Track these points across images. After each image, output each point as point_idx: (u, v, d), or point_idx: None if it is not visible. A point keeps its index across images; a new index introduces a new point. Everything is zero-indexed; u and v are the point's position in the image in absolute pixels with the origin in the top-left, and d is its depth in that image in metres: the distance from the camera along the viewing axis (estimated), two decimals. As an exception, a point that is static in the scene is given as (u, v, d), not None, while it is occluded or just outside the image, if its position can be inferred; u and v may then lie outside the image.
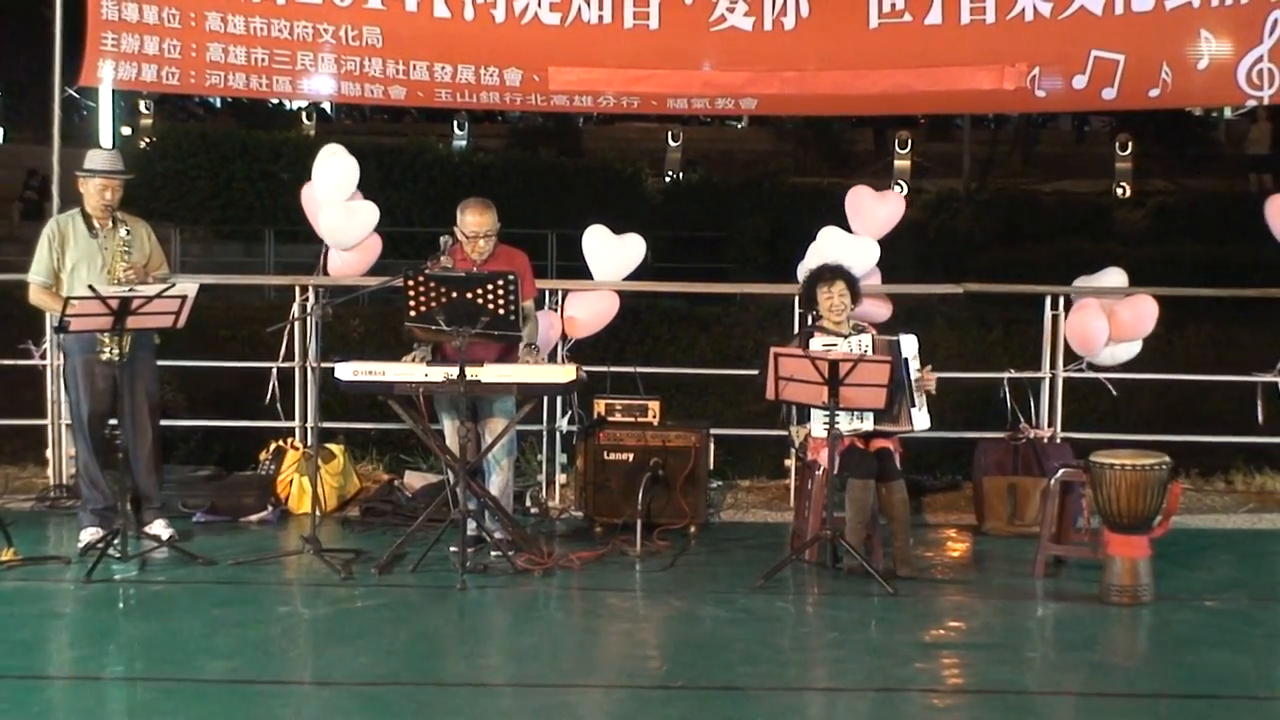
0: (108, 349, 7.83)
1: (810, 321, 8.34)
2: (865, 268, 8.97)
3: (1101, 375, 9.45)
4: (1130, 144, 25.94)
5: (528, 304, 8.18)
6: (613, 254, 9.43)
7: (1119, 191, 25.73)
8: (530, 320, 8.24)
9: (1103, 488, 7.23)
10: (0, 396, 10.41)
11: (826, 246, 9.12)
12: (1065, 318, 9.40)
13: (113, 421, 8.18)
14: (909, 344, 7.78)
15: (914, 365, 7.75)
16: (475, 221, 7.99)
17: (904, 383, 7.66)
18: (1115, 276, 9.56)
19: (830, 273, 8.15)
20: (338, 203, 9.26)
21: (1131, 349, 9.39)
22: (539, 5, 9.53)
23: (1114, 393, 9.50)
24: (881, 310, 9.22)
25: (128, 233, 8.05)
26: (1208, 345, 11.31)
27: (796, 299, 8.87)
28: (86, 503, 8.23)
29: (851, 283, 8.12)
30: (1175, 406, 10.54)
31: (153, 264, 8.23)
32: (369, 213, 9.36)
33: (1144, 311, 9.24)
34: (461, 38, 9.60)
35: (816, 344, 7.76)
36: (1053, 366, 9.49)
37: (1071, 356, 9.45)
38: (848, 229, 9.33)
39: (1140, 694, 6.09)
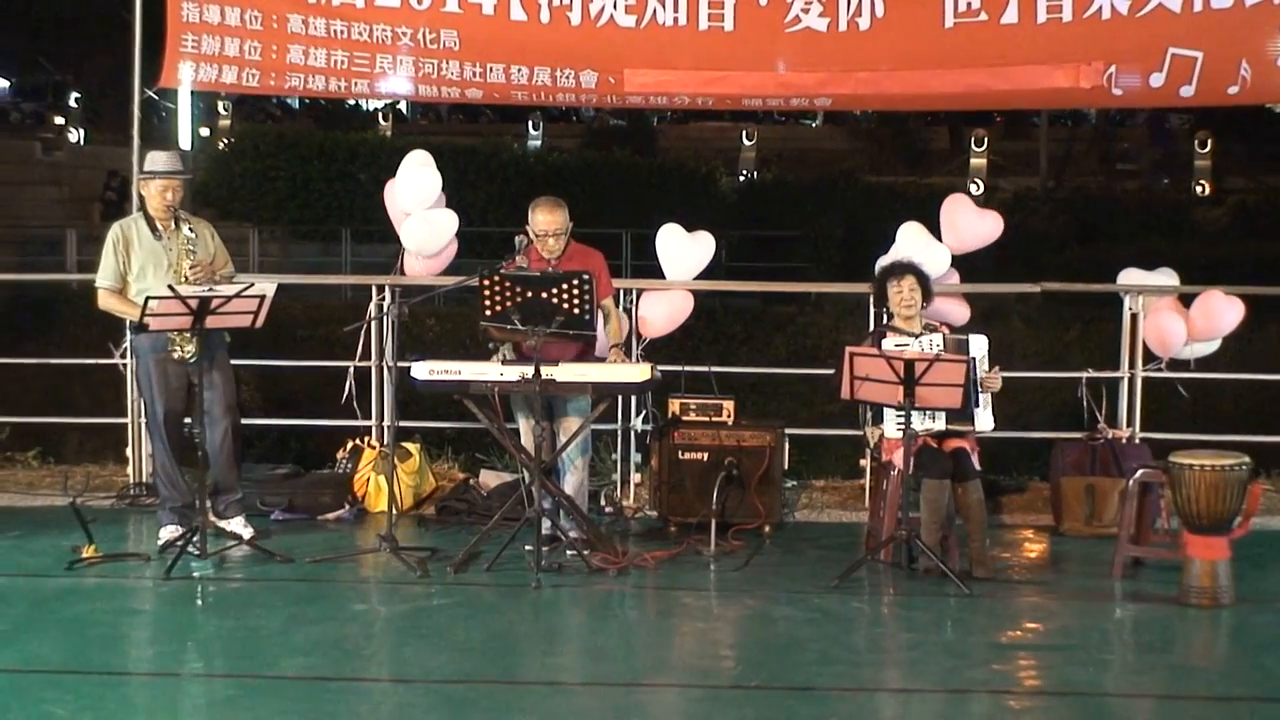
0: (178, 349, 7.90)
1: (884, 320, 8.31)
2: (937, 272, 8.88)
3: (1180, 376, 9.33)
4: (1209, 141, 25.68)
5: (607, 302, 8.21)
6: (685, 253, 9.42)
7: (1198, 189, 25.47)
8: (613, 319, 8.28)
9: (1182, 488, 7.15)
10: (82, 395, 10.59)
11: (904, 245, 9.05)
12: (1144, 316, 9.30)
13: (188, 420, 8.22)
14: (978, 344, 7.74)
15: (981, 365, 7.71)
16: (545, 220, 8.02)
17: (971, 382, 7.61)
18: (1166, 276, 9.45)
19: (900, 268, 8.13)
20: (419, 214, 9.28)
21: (1210, 346, 9.28)
22: (614, 7, 9.52)
23: (1185, 394, 9.37)
24: (960, 310, 9.15)
25: (191, 231, 8.11)
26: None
27: (872, 297, 8.85)
28: (165, 501, 8.29)
29: (922, 278, 8.08)
30: (1257, 406, 10.40)
31: (217, 263, 8.25)
32: (448, 223, 9.39)
33: (1217, 310, 9.12)
34: (537, 40, 9.61)
35: (888, 344, 7.71)
36: (1131, 366, 9.39)
37: (1150, 356, 9.34)
38: (928, 227, 9.26)
39: (1219, 697, 6.02)
